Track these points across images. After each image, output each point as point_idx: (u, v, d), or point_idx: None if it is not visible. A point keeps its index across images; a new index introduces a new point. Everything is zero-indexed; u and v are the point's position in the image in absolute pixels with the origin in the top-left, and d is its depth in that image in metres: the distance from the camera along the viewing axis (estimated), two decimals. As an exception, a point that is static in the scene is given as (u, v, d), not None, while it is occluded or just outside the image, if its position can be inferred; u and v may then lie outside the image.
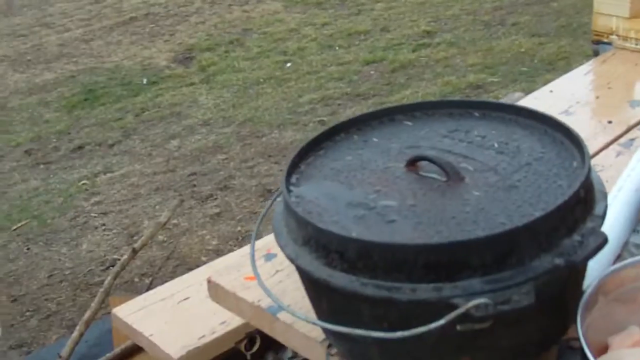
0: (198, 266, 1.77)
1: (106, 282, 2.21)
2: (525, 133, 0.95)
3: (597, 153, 1.33)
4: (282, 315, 0.98)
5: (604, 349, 0.83)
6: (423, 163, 0.89)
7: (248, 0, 5.99)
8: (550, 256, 0.73)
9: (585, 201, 0.79)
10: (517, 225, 0.73)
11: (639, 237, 1.04)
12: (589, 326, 0.82)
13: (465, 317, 0.69)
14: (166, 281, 1.63)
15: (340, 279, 0.75)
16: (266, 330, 1.04)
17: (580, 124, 1.42)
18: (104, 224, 3.10)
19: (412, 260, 0.72)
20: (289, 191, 0.88)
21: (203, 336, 1.28)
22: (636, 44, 1.76)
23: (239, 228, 2.93)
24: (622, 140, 1.37)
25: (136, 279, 2.68)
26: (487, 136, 0.95)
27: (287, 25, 5.26)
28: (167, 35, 5.44)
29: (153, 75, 4.68)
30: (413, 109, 1.04)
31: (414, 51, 4.46)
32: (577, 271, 0.83)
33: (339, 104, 3.90)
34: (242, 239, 2.85)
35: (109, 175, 3.52)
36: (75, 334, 2.05)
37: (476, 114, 1.01)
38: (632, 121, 1.44)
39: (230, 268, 1.12)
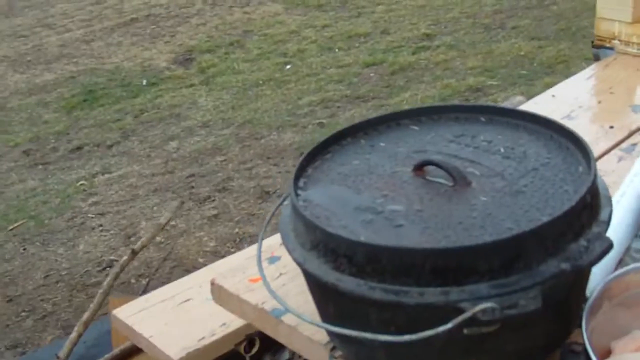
0: (195, 268, 1.77)
1: (105, 283, 2.20)
2: (532, 138, 0.95)
3: (599, 158, 1.33)
4: (286, 318, 0.99)
5: (607, 353, 0.84)
6: (430, 168, 0.89)
7: (249, 2, 6.00)
8: (556, 261, 0.74)
9: (591, 206, 0.80)
10: (524, 230, 0.74)
11: (641, 243, 1.04)
12: (594, 330, 0.82)
13: (472, 321, 0.70)
14: (163, 282, 1.64)
15: (348, 282, 0.75)
16: (269, 332, 1.04)
17: (582, 128, 1.42)
18: (101, 225, 3.10)
19: (420, 264, 0.72)
20: (297, 195, 0.88)
21: (203, 338, 1.28)
22: (638, 49, 1.76)
23: (236, 230, 2.93)
24: (623, 145, 1.38)
25: (133, 280, 2.68)
26: (493, 141, 0.96)
27: (287, 27, 5.27)
28: (167, 36, 5.45)
29: (153, 77, 4.68)
30: (419, 114, 1.04)
31: (413, 54, 4.47)
32: (582, 276, 0.83)
33: (339, 106, 3.90)
34: (239, 241, 2.85)
35: (107, 176, 3.52)
36: (74, 334, 2.04)
37: (482, 118, 1.02)
38: (634, 126, 1.44)
39: (235, 270, 1.12)
